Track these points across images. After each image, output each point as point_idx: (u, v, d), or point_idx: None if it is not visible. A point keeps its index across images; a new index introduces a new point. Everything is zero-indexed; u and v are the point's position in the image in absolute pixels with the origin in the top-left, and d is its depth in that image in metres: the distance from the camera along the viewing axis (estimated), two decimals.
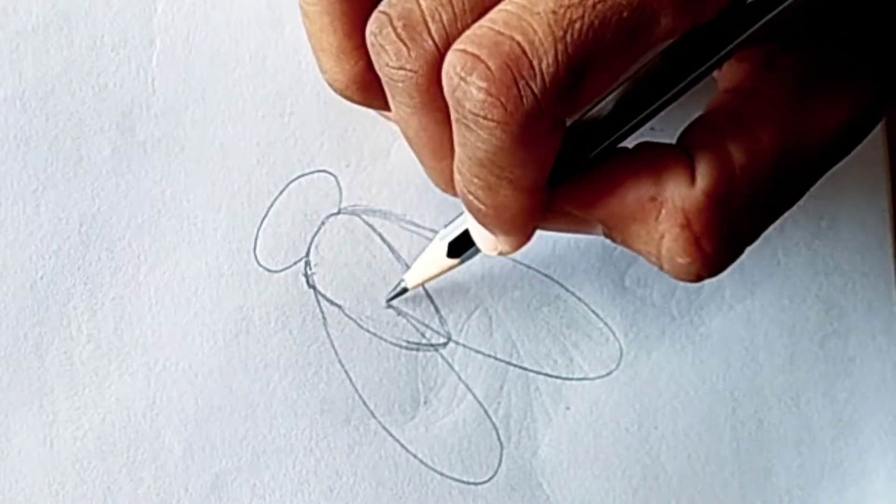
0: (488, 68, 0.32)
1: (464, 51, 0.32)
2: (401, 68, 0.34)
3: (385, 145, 0.43)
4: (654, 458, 0.45)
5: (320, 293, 0.43)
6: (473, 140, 0.33)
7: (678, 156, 0.35)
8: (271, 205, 0.42)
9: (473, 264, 0.43)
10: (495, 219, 0.35)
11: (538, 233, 0.43)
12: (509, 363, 0.44)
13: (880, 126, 0.46)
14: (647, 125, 0.36)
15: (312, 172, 0.43)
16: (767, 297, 0.46)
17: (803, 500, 0.46)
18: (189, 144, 0.42)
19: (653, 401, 0.45)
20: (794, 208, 0.45)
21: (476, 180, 0.34)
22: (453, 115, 0.33)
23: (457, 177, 0.35)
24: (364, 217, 0.43)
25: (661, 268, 0.36)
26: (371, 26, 0.35)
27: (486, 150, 0.33)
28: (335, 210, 0.43)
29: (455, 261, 0.41)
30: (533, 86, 0.32)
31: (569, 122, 0.35)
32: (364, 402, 0.43)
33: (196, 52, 0.42)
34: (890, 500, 0.46)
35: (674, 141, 0.36)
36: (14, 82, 0.41)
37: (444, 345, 0.44)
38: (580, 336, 0.45)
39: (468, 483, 0.44)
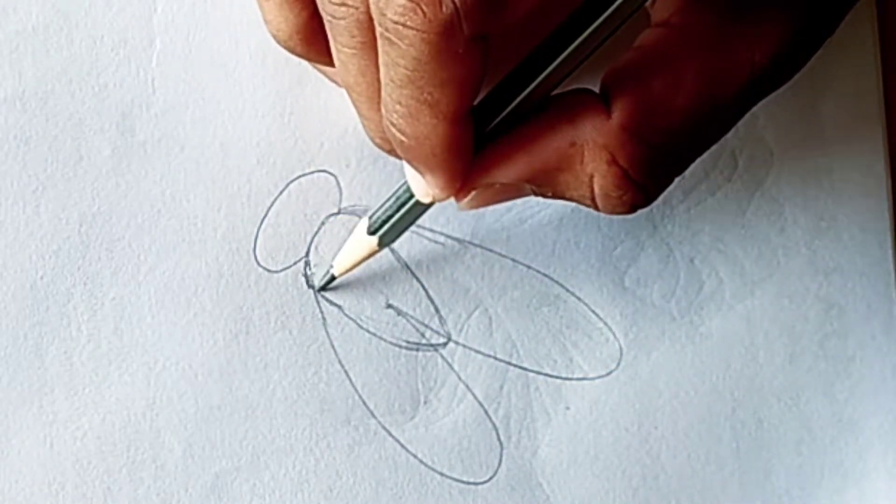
0: None
1: None
2: (342, 4, 0.34)
3: None
4: (654, 457, 0.45)
5: (320, 293, 0.43)
6: (394, 56, 0.33)
7: (591, 97, 0.35)
8: (271, 205, 0.42)
9: (474, 264, 0.43)
10: (417, 151, 0.35)
11: (537, 233, 0.44)
12: (509, 363, 0.44)
13: (880, 126, 0.46)
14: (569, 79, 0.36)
15: (312, 172, 0.43)
16: (767, 297, 0.46)
17: (803, 499, 0.46)
18: (189, 144, 0.42)
19: (653, 401, 0.45)
20: (795, 208, 0.46)
21: (398, 107, 0.34)
22: (378, 31, 0.33)
23: (383, 112, 0.35)
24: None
25: (595, 208, 0.36)
26: None
27: (406, 64, 0.33)
28: (335, 210, 0.43)
29: (375, 242, 0.41)
30: None
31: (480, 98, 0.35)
32: (364, 402, 0.43)
33: (196, 52, 0.42)
34: (890, 500, 0.46)
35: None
36: (14, 82, 0.41)
37: (444, 345, 0.44)
38: (580, 336, 0.45)
39: (468, 483, 0.44)
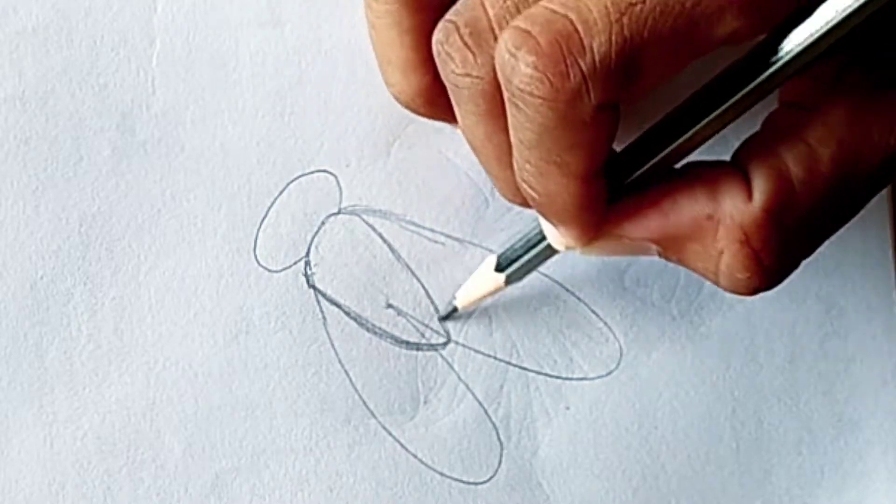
0: (538, 43, 0.32)
1: (516, 27, 0.32)
2: (466, 75, 0.34)
3: (385, 145, 0.43)
4: (654, 457, 0.45)
5: (320, 293, 0.43)
6: (522, 120, 0.33)
7: (733, 172, 0.35)
8: (271, 205, 0.42)
9: (474, 264, 0.43)
10: (549, 207, 0.35)
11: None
12: (509, 363, 0.44)
13: None
14: (704, 146, 0.36)
15: (312, 172, 0.43)
16: (767, 297, 0.46)
17: (803, 499, 0.46)
18: (189, 144, 0.42)
19: (653, 401, 0.45)
20: None
21: (528, 166, 0.34)
22: (505, 96, 0.33)
23: (515, 168, 0.35)
24: (364, 217, 0.43)
25: (717, 284, 0.36)
26: (438, 34, 0.35)
27: (533, 129, 0.33)
28: (335, 210, 0.43)
29: (502, 280, 0.42)
30: (581, 63, 0.32)
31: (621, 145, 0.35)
32: (364, 402, 0.43)
33: (196, 52, 0.42)
34: (890, 500, 0.46)
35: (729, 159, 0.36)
36: (14, 82, 0.41)
37: (444, 345, 0.44)
38: (580, 336, 0.45)
39: (468, 483, 0.44)
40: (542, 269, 0.44)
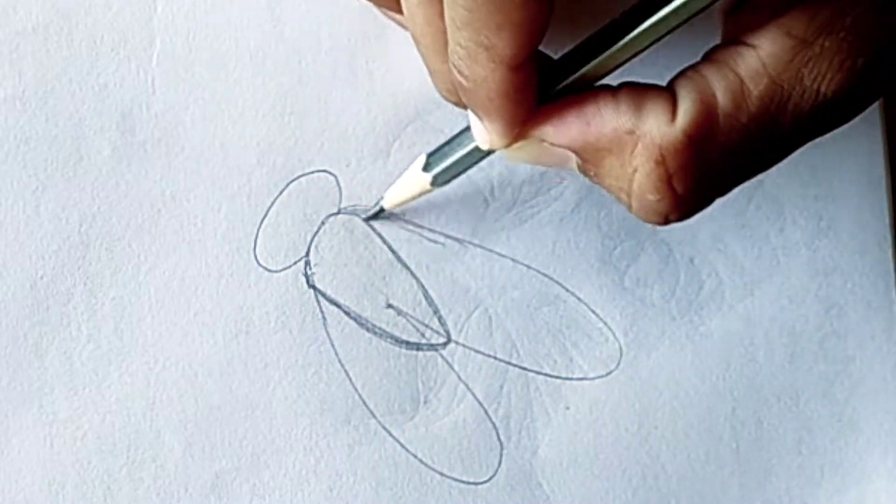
0: None
1: None
2: None
3: (385, 145, 0.43)
4: (654, 457, 0.45)
5: (320, 293, 0.43)
6: None
7: (662, 92, 0.35)
8: (271, 205, 0.42)
9: (474, 264, 0.43)
10: (476, 95, 0.35)
11: (537, 233, 0.44)
12: (509, 363, 0.44)
13: (880, 126, 0.46)
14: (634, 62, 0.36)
15: (312, 172, 0.43)
16: (767, 297, 0.46)
17: (803, 500, 0.46)
18: (189, 144, 0.42)
19: (652, 401, 0.45)
20: (795, 208, 0.46)
21: (458, 49, 0.34)
22: None
23: (450, 56, 0.35)
24: (364, 217, 0.43)
25: (630, 207, 0.36)
26: None
27: (463, 5, 0.33)
28: (335, 210, 0.43)
29: (428, 181, 0.41)
30: None
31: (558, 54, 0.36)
32: (364, 402, 0.43)
33: (196, 52, 0.42)
34: (890, 500, 0.46)
35: None
36: (14, 82, 0.41)
37: (444, 345, 0.44)
38: (580, 336, 0.45)
39: (468, 483, 0.44)
40: (541, 269, 0.44)
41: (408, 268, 0.43)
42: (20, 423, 0.41)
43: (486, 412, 0.44)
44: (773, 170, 0.45)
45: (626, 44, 0.35)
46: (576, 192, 0.45)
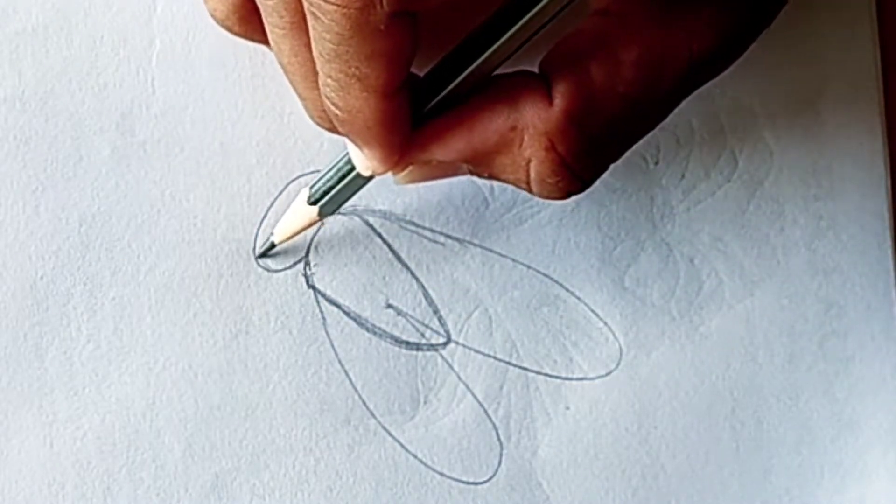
0: None
1: None
2: None
3: None
4: (654, 457, 0.45)
5: (320, 293, 0.43)
6: (320, 31, 0.33)
7: (533, 81, 0.36)
8: (271, 205, 0.42)
9: (474, 264, 0.43)
10: (352, 125, 0.35)
11: (537, 233, 0.43)
12: (509, 363, 0.44)
13: (880, 126, 0.46)
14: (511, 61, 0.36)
15: (312, 172, 0.43)
16: (767, 297, 0.46)
17: (803, 499, 0.46)
18: (189, 144, 0.42)
19: (652, 401, 0.45)
20: (795, 208, 0.46)
21: (329, 80, 0.34)
22: (305, 6, 0.33)
23: (321, 86, 0.35)
24: (364, 217, 0.43)
25: (531, 192, 0.37)
26: None
27: (331, 39, 0.33)
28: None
29: (315, 212, 0.41)
30: None
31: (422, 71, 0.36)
32: (364, 402, 0.43)
33: (196, 52, 0.42)
34: (890, 500, 0.46)
35: None
36: (14, 82, 0.41)
37: (444, 345, 0.44)
38: (580, 336, 0.45)
39: (468, 483, 0.44)
40: (541, 268, 0.44)
41: (408, 268, 0.43)
42: (20, 423, 0.41)
43: (485, 412, 0.44)
44: (773, 170, 0.46)
45: (492, 52, 0.35)
46: None
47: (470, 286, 0.44)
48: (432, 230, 0.43)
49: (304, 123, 0.43)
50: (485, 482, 0.44)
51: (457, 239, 0.44)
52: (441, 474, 0.43)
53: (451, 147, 0.36)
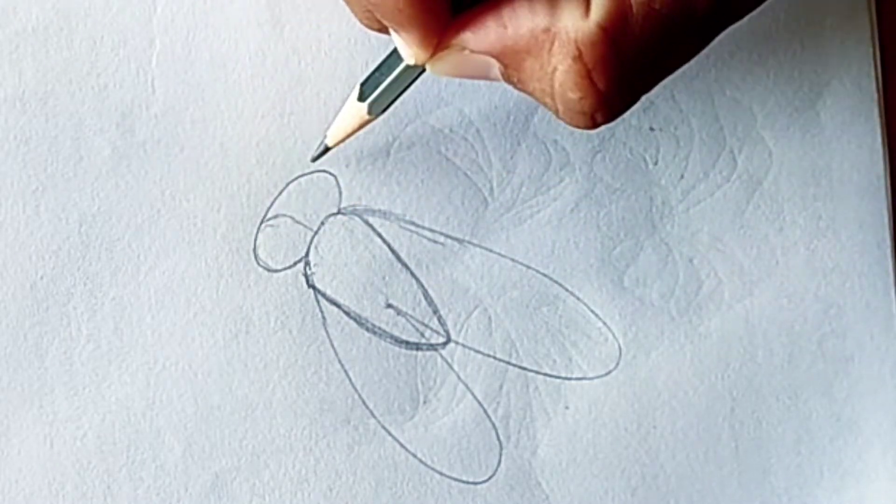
0: None
1: None
2: None
3: (385, 145, 0.43)
4: (653, 457, 0.45)
5: (320, 293, 0.43)
6: None
7: None
8: (271, 205, 0.42)
9: (473, 264, 0.43)
10: (388, 7, 0.35)
11: (537, 233, 0.43)
12: (508, 363, 0.44)
13: (880, 126, 0.46)
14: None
15: (312, 172, 0.43)
16: (766, 297, 0.46)
17: (802, 499, 0.46)
18: (189, 144, 0.42)
19: (652, 400, 0.45)
20: (794, 208, 0.46)
21: None
22: None
23: None
24: (364, 217, 0.43)
25: (556, 111, 0.36)
26: None
27: None
28: (335, 210, 0.43)
29: (365, 110, 0.41)
30: None
31: None
32: (364, 402, 0.43)
33: (196, 52, 0.42)
34: (889, 499, 0.46)
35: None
36: (14, 82, 0.41)
37: (444, 345, 0.44)
38: (579, 336, 0.45)
39: (467, 482, 0.44)
40: (541, 268, 0.44)
41: (407, 268, 0.43)
42: (20, 423, 0.41)
43: (485, 412, 0.44)
44: (773, 170, 0.46)
45: None
46: (575, 191, 0.45)
47: (469, 286, 0.44)
48: (432, 230, 0.43)
49: (304, 123, 0.43)
50: (484, 482, 0.44)
51: (456, 239, 0.44)
52: (440, 474, 0.44)
53: (484, 37, 0.36)
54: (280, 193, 0.42)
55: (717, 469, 0.45)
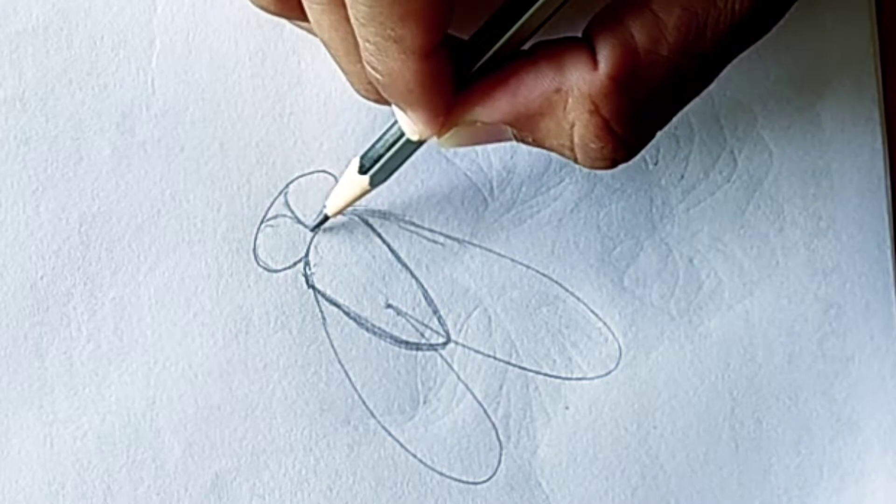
0: None
1: None
2: None
3: None
4: (653, 457, 0.45)
5: (320, 293, 0.43)
6: None
7: (578, 45, 0.36)
8: (271, 205, 0.42)
9: (473, 264, 0.43)
10: (393, 88, 0.35)
11: (537, 233, 0.43)
12: (508, 363, 0.44)
13: (879, 126, 0.46)
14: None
15: (312, 172, 0.43)
16: (766, 297, 0.46)
17: (802, 499, 0.46)
18: (189, 144, 0.42)
19: (652, 400, 0.45)
20: (794, 208, 0.46)
21: (368, 45, 0.34)
22: None
23: (362, 55, 0.35)
24: (364, 217, 0.43)
25: (576, 160, 0.37)
26: None
27: (364, 2, 0.33)
28: None
29: (366, 181, 0.41)
30: None
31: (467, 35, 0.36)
32: (363, 402, 0.43)
33: (196, 52, 0.42)
34: (889, 499, 0.46)
35: None
36: (14, 82, 0.41)
37: (444, 345, 0.44)
38: (579, 336, 0.45)
39: (467, 482, 0.44)
40: (541, 268, 0.44)
41: (407, 268, 0.43)
42: (20, 423, 0.41)
43: (485, 412, 0.44)
44: (773, 170, 0.46)
45: (534, 11, 0.35)
46: (575, 191, 0.45)
47: (469, 286, 0.44)
48: (432, 230, 0.43)
49: (305, 123, 0.43)
50: (484, 482, 0.44)
51: (456, 239, 0.44)
52: (440, 474, 0.44)
53: (496, 108, 0.36)
54: (280, 193, 0.42)
55: (717, 469, 0.45)
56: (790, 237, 0.46)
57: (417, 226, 0.43)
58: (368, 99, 0.38)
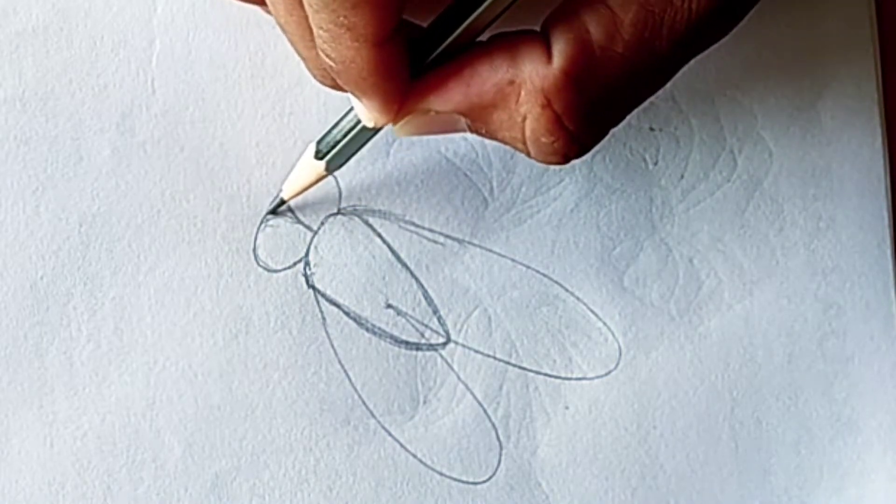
0: None
1: None
2: None
3: (385, 145, 0.43)
4: (653, 457, 0.45)
5: (320, 293, 0.43)
6: None
7: (534, 38, 0.35)
8: (271, 205, 0.42)
9: (473, 264, 0.43)
10: (347, 75, 0.35)
11: (537, 233, 0.43)
12: (508, 363, 0.44)
13: (879, 126, 0.46)
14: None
15: None
16: (766, 297, 0.46)
17: (802, 499, 0.46)
18: (189, 144, 0.42)
19: (651, 400, 0.45)
20: (794, 208, 0.46)
21: (321, 32, 0.34)
22: None
23: (315, 40, 0.35)
24: (364, 217, 0.43)
25: (528, 154, 0.37)
26: None
27: None
28: (335, 210, 0.43)
29: (322, 167, 0.41)
30: None
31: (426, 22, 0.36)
32: (363, 402, 0.43)
33: (196, 52, 0.42)
34: (889, 499, 0.46)
35: None
36: (14, 82, 0.41)
37: (444, 345, 0.44)
38: (579, 336, 0.45)
39: (467, 482, 0.44)
40: (541, 268, 0.44)
41: (407, 268, 0.43)
42: (20, 423, 0.41)
43: (485, 412, 0.44)
44: (773, 170, 0.46)
45: (491, 2, 0.35)
46: (575, 192, 0.45)
47: (469, 286, 0.44)
48: (432, 230, 0.43)
49: (305, 123, 0.43)
50: (484, 482, 0.44)
51: (456, 239, 0.44)
52: (440, 474, 0.44)
53: (449, 98, 0.36)
54: (280, 193, 0.42)
55: (717, 469, 0.45)
56: (790, 237, 0.46)
57: (417, 226, 0.43)
58: (325, 85, 0.37)
